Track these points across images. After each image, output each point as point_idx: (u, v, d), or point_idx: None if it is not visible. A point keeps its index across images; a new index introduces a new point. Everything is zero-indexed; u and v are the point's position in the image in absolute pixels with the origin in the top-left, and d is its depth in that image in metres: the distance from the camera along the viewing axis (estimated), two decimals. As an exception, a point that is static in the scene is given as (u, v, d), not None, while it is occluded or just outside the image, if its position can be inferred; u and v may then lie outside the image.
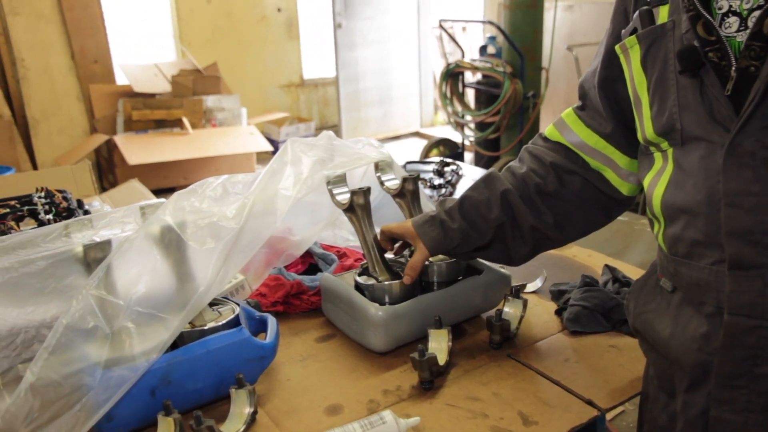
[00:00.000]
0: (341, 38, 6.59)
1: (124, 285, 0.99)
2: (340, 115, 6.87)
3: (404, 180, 1.34)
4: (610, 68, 1.03)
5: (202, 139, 5.47)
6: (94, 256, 1.06)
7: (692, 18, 0.81)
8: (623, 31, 0.96)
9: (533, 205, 1.15)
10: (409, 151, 6.68)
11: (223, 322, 1.09)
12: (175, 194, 1.12)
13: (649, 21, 0.90)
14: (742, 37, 0.78)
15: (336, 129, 6.98)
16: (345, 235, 1.59)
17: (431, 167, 2.56)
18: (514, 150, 4.72)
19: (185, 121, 5.49)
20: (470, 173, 2.54)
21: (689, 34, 0.83)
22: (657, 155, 0.94)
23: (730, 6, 0.80)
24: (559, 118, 1.17)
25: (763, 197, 0.77)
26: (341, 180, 1.31)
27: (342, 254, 1.51)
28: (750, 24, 0.77)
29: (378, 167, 1.39)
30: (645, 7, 0.91)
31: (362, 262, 1.32)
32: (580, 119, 1.13)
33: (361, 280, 1.25)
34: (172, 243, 1.04)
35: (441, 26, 5.51)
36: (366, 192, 1.27)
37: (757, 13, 0.76)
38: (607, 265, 1.44)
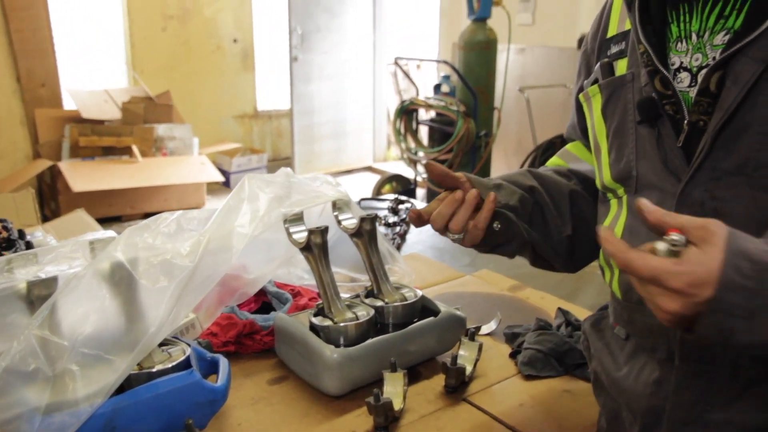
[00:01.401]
0: (297, 71, 6.61)
1: (69, 324, 0.94)
2: (294, 148, 6.85)
3: (362, 220, 1.34)
4: (583, 119, 1.07)
5: (152, 168, 5.35)
6: (39, 294, 1.01)
7: (650, 73, 0.86)
8: (585, 81, 1.00)
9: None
10: (362, 185, 6.69)
11: (173, 363, 1.05)
12: (127, 230, 1.08)
13: (609, 73, 0.94)
14: (693, 92, 0.83)
15: (288, 161, 6.96)
16: (299, 273, 1.57)
17: (386, 204, 2.57)
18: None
19: (134, 148, 5.38)
20: (424, 211, 2.56)
21: (648, 87, 0.86)
22: (613, 202, 0.97)
23: (681, 62, 0.85)
24: (561, 151, 1.20)
25: None
26: (298, 218, 1.29)
27: (296, 293, 1.49)
28: (699, 80, 0.82)
29: (335, 206, 1.38)
30: (606, 60, 0.95)
31: (317, 302, 1.30)
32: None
33: (317, 320, 1.23)
34: (122, 281, 1.00)
35: (396, 63, 5.60)
36: (324, 231, 1.26)
37: (705, 72, 0.80)
38: (560, 308, 1.45)
